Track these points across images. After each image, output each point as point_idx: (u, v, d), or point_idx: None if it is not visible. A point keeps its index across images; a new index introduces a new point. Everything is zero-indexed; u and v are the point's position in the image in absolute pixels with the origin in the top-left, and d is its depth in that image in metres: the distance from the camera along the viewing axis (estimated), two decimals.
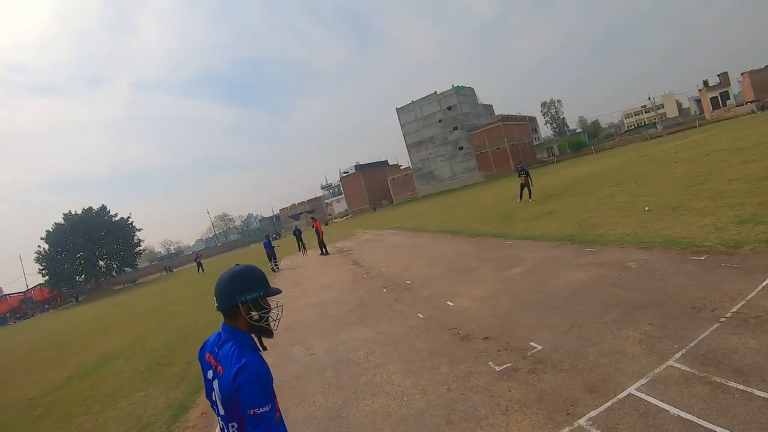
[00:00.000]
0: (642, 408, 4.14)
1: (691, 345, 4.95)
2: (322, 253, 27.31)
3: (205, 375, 2.67)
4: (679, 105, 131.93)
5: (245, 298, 2.57)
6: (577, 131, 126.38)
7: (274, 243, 29.62)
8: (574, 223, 13.71)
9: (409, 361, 6.75)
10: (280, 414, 2.43)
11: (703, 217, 10.28)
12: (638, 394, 4.36)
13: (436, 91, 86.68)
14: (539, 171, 54.83)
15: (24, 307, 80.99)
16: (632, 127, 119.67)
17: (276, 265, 26.79)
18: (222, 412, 2.51)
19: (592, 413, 4.27)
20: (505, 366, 5.72)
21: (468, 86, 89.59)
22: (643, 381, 4.54)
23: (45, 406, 10.44)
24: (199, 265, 49.69)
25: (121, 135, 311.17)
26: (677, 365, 4.65)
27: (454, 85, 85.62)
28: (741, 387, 4.03)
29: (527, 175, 24.75)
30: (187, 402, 7.93)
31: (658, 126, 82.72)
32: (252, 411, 2.31)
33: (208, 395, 2.63)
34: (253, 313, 2.58)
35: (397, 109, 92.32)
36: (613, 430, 3.96)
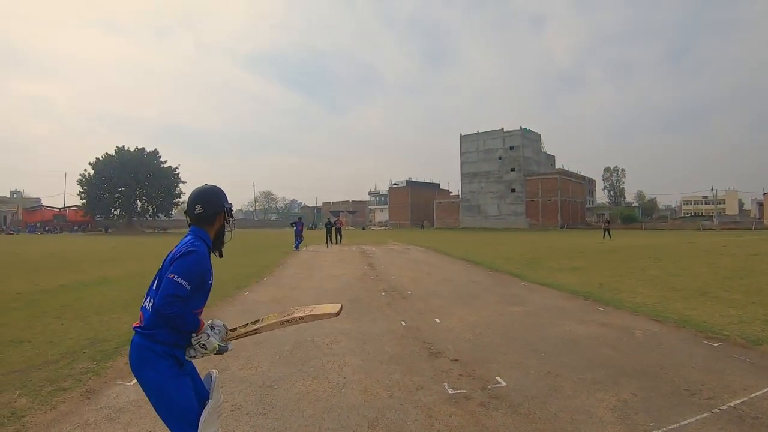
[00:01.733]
0: None
1: (670, 428, 4.20)
2: (336, 243, 32.85)
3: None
4: (740, 204, 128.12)
5: (228, 205, 3.23)
6: (633, 205, 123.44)
7: (305, 229, 33.62)
8: (596, 283, 12.92)
9: (368, 360, 6.41)
10: (196, 306, 2.94)
11: (730, 308, 9.36)
12: None
13: (503, 128, 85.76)
14: (585, 232, 53.65)
15: (56, 222, 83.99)
16: (688, 215, 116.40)
17: (297, 246, 27.52)
18: (155, 286, 2.95)
19: None
20: (458, 391, 5.15)
21: (535, 131, 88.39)
22: None
23: (26, 302, 10.98)
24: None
25: (178, 88, 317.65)
26: None
27: (522, 127, 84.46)
28: None
29: (609, 223, 43.56)
30: None
31: (715, 220, 79.51)
32: (172, 276, 2.74)
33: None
34: (231, 219, 3.26)
35: (461, 136, 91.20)
36: None
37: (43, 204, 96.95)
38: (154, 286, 2.93)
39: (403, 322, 8.60)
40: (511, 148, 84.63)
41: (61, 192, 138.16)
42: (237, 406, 4.80)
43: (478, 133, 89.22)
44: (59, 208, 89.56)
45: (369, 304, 10.49)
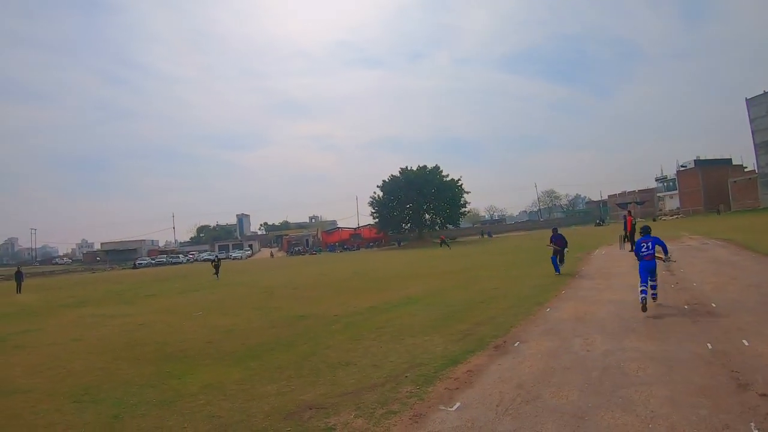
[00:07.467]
0: None
1: None
2: (630, 250, 24.89)
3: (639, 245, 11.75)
4: None
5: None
6: None
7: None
8: None
9: (675, 391, 6.33)
10: None
11: None
12: None
13: None
14: None
15: (352, 240, 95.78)
16: None
17: (558, 268, 20.31)
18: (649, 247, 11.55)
19: None
20: None
21: None
22: None
23: (344, 324, 12.58)
24: (444, 243, 62.68)
25: (442, 104, 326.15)
26: None
27: None
28: None
29: None
30: (461, 357, 8.69)
31: None
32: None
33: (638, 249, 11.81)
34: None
35: (747, 100, 76.52)
36: None
37: (339, 226, 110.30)
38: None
39: (709, 345, 8.22)
40: None
41: (353, 214, 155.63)
42: None
43: (765, 93, 73.80)
44: (354, 228, 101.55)
45: (672, 321, 10.23)
